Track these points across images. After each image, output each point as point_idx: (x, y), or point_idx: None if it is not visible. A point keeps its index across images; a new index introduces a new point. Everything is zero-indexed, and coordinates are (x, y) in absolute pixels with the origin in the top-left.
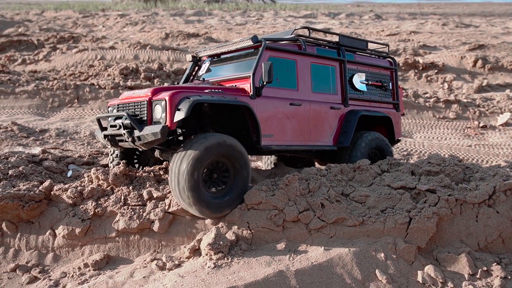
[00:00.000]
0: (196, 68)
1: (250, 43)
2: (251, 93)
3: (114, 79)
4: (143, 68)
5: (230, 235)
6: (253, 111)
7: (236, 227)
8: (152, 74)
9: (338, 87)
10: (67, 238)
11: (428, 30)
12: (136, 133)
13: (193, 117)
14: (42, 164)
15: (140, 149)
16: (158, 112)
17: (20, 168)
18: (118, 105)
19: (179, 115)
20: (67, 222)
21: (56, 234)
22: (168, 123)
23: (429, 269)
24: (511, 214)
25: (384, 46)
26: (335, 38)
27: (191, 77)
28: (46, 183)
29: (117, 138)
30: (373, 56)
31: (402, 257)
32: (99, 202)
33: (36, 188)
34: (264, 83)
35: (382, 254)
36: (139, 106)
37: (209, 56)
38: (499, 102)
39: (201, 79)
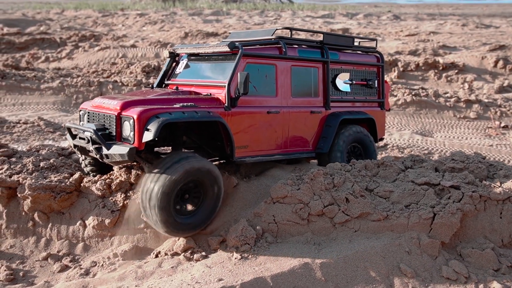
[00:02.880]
0: (174, 64)
1: (227, 48)
2: (226, 104)
3: (136, 77)
4: None
5: (256, 228)
6: (227, 126)
7: (262, 220)
8: None
9: (320, 90)
10: (97, 228)
11: (448, 30)
12: (105, 150)
13: (165, 128)
14: (71, 157)
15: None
16: (127, 129)
17: (51, 161)
18: (88, 112)
19: (148, 136)
20: (97, 213)
21: (86, 224)
22: (136, 143)
23: (453, 264)
24: None
25: (372, 40)
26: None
27: (168, 74)
28: (76, 175)
29: (87, 149)
30: (359, 52)
31: (426, 252)
32: (128, 194)
33: (66, 180)
34: (240, 94)
35: (406, 249)
36: (108, 119)
37: (187, 53)
38: None
39: (175, 79)
